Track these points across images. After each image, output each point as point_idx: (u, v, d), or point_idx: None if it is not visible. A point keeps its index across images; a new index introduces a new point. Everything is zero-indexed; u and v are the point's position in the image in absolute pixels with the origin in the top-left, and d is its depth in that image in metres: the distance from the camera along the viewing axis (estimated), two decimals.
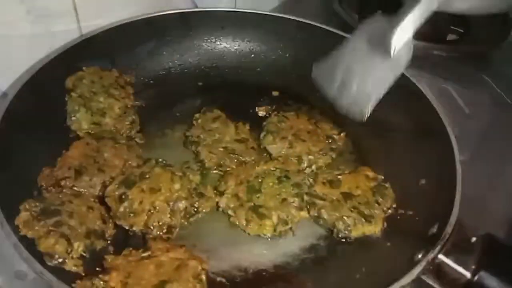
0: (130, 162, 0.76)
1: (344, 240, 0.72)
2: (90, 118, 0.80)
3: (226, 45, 1.01)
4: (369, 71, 0.71)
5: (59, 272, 0.60)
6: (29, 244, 0.61)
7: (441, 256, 0.60)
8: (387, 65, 0.68)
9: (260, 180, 0.75)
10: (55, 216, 0.65)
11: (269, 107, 0.92)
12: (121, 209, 0.69)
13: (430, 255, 0.58)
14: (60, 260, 0.62)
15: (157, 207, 0.69)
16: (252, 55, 1.01)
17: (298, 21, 0.97)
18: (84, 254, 0.64)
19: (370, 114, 0.71)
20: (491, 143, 0.92)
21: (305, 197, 0.75)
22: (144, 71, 0.94)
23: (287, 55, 1.00)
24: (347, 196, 0.74)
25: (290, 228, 0.72)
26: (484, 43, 1.15)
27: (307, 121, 0.87)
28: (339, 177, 0.77)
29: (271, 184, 0.75)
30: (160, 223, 0.69)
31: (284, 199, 0.73)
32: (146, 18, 0.91)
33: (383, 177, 0.77)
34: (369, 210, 0.72)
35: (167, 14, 0.93)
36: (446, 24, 1.11)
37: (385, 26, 0.68)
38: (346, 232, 0.71)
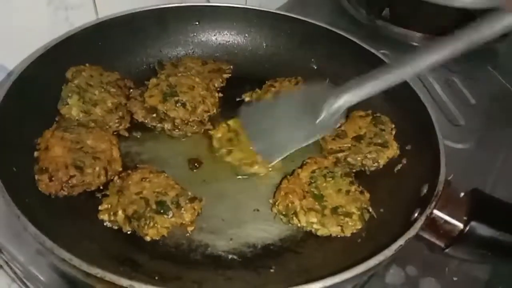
0: (114, 142, 0.78)
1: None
2: (81, 105, 0.80)
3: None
4: (294, 129, 0.82)
5: None
6: None
7: (435, 211, 0.65)
8: (312, 128, 0.81)
9: (314, 186, 0.76)
10: None
11: (253, 91, 0.94)
12: None
13: (428, 211, 0.64)
14: None
15: None
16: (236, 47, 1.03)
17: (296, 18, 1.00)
18: None
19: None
20: (495, 132, 0.97)
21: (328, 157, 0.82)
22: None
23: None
24: (357, 138, 0.83)
25: (369, 211, 0.74)
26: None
27: None
28: (341, 128, 0.85)
29: (324, 184, 0.76)
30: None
31: (347, 191, 0.75)
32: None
33: (371, 111, 0.86)
34: (381, 138, 0.83)
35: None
36: (453, 18, 1.14)
37: (323, 95, 0.80)
38: (376, 164, 0.81)
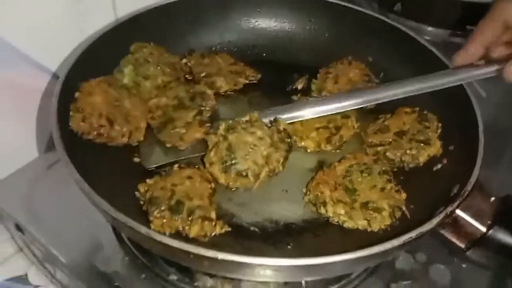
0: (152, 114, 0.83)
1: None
2: (134, 76, 0.86)
3: (264, 25, 1.06)
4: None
5: None
6: None
7: (458, 211, 0.64)
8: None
9: (348, 180, 0.76)
10: None
11: (305, 76, 0.97)
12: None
13: (449, 208, 0.62)
14: None
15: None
16: (288, 35, 1.06)
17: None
18: None
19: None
20: (505, 124, 0.98)
21: (368, 150, 0.83)
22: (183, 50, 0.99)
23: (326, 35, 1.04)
24: (400, 133, 0.82)
25: (403, 212, 0.73)
26: None
27: None
28: (385, 123, 0.85)
29: (359, 179, 0.77)
30: None
31: (382, 188, 0.75)
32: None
33: (418, 108, 0.85)
34: (424, 135, 0.81)
35: None
36: (465, 12, 1.15)
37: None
38: (416, 161, 0.80)
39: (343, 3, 1.02)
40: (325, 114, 0.84)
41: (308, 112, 0.84)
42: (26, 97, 0.89)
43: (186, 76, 0.94)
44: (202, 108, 0.84)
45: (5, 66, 0.82)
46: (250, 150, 0.76)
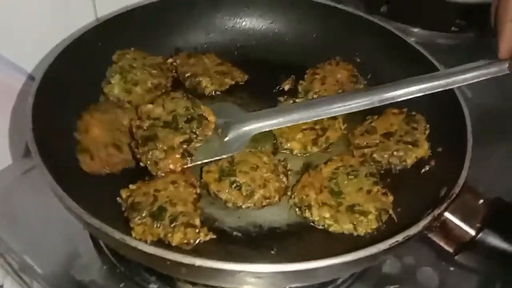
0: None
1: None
2: (123, 85, 0.85)
3: (251, 25, 1.04)
4: (207, 144, 0.77)
5: None
6: None
7: (447, 214, 0.62)
8: (221, 145, 0.78)
9: (334, 183, 0.75)
10: None
11: (292, 77, 0.95)
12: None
13: (437, 211, 0.60)
14: None
15: None
16: (275, 35, 1.04)
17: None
18: None
19: None
20: (491, 124, 0.97)
21: (355, 152, 0.81)
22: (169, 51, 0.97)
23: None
24: (387, 135, 0.81)
25: (390, 215, 0.71)
26: (487, 32, 1.19)
27: None
28: (372, 124, 0.83)
29: (346, 182, 0.75)
30: None
31: (368, 191, 0.73)
32: None
33: (406, 108, 0.83)
34: (412, 137, 0.79)
35: None
36: (451, 15, 1.16)
37: (234, 117, 0.81)
38: (403, 163, 0.78)
39: (331, 4, 1.00)
40: (312, 119, 0.82)
41: (296, 117, 0.81)
42: None
43: (174, 76, 0.92)
44: (194, 136, 0.76)
45: None
46: (252, 168, 0.75)
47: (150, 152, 0.72)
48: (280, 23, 1.04)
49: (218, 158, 0.77)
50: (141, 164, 0.73)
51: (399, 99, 0.79)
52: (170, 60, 0.94)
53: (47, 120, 0.72)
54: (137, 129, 0.75)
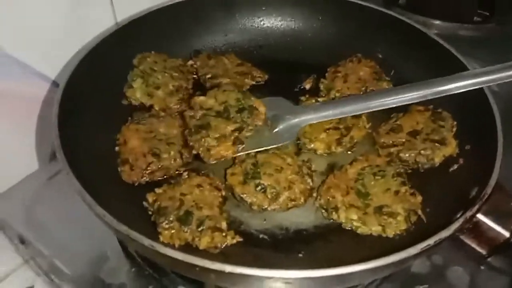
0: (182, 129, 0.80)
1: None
2: (145, 88, 0.86)
3: (269, 24, 1.03)
4: (257, 134, 0.78)
5: None
6: None
7: (479, 216, 0.61)
8: (271, 136, 0.78)
9: (361, 183, 0.74)
10: None
11: (313, 76, 0.94)
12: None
13: (469, 213, 0.59)
14: None
15: None
16: (294, 34, 1.03)
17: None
18: None
19: None
20: None
21: (380, 151, 0.80)
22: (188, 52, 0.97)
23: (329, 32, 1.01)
24: (413, 133, 0.79)
25: (419, 216, 0.70)
26: (509, 24, 1.15)
27: None
28: (397, 122, 0.82)
29: (372, 183, 0.74)
30: None
31: (396, 191, 0.72)
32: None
33: (432, 106, 0.81)
34: (439, 135, 0.78)
35: None
36: (473, 6, 1.12)
37: (284, 110, 0.81)
38: (431, 162, 0.77)
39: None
40: (363, 112, 0.81)
41: (347, 109, 0.80)
42: (25, 107, 0.87)
43: (194, 78, 0.92)
44: (244, 125, 0.77)
45: (3, 75, 0.80)
46: (276, 170, 0.75)
47: (203, 140, 0.74)
48: (299, 21, 1.03)
49: (267, 147, 0.77)
50: (193, 152, 0.74)
51: (451, 92, 0.75)
52: (190, 62, 0.94)
53: (72, 126, 0.73)
54: (190, 119, 0.77)
